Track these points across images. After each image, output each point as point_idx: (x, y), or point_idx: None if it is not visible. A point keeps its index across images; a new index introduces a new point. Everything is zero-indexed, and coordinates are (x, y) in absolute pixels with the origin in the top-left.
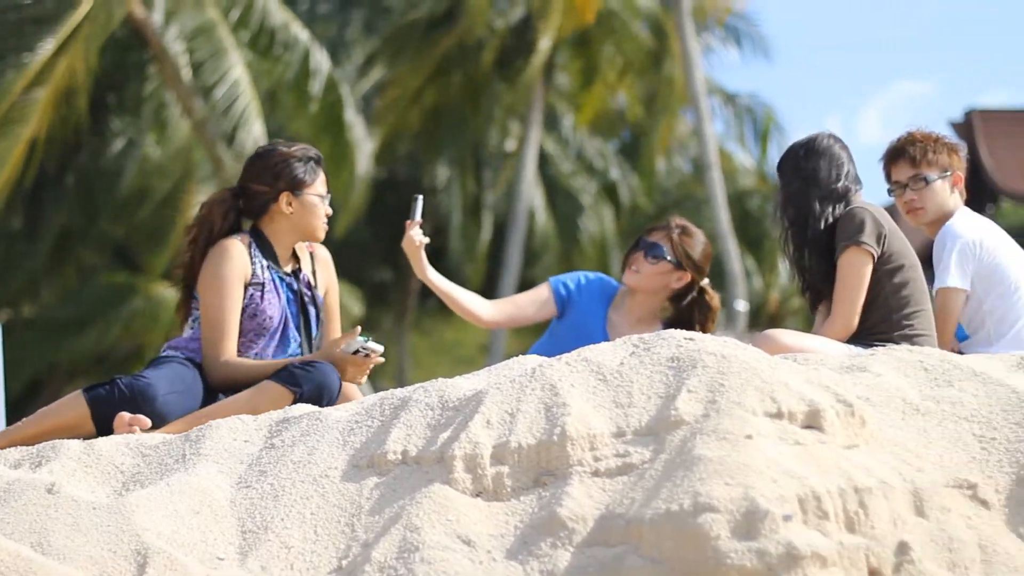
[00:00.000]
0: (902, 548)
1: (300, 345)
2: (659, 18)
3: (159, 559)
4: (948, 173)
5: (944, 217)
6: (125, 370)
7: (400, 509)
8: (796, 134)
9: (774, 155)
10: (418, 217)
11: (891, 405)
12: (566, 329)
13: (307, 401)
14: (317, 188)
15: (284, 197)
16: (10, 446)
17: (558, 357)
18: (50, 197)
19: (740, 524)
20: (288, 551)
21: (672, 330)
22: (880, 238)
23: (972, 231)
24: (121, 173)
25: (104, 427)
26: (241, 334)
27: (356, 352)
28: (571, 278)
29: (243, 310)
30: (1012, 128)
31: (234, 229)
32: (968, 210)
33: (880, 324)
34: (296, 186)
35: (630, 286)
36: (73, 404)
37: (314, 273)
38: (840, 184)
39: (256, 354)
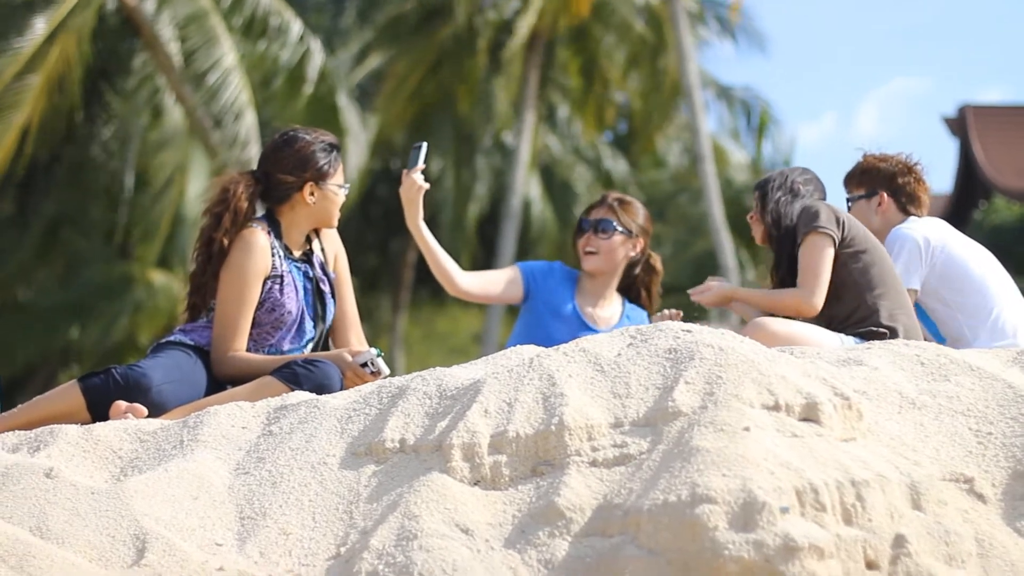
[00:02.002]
0: (899, 541)
1: (316, 329)
2: (655, 10)
3: (157, 544)
4: (871, 194)
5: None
6: (118, 357)
7: (398, 497)
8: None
9: (769, 150)
10: (420, 164)
11: (888, 399)
12: (540, 309)
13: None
14: (338, 178)
15: (308, 187)
16: (7, 431)
17: (556, 347)
18: (42, 184)
19: (738, 515)
20: (286, 537)
21: (669, 322)
22: (838, 223)
23: (916, 231)
24: (113, 161)
25: (99, 416)
26: (257, 325)
27: (364, 365)
28: (537, 264)
29: (261, 304)
30: (1005, 124)
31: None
32: (915, 218)
33: (858, 310)
34: (321, 177)
35: (592, 270)
36: (68, 393)
37: (323, 250)
38: (798, 187)
39: (271, 345)
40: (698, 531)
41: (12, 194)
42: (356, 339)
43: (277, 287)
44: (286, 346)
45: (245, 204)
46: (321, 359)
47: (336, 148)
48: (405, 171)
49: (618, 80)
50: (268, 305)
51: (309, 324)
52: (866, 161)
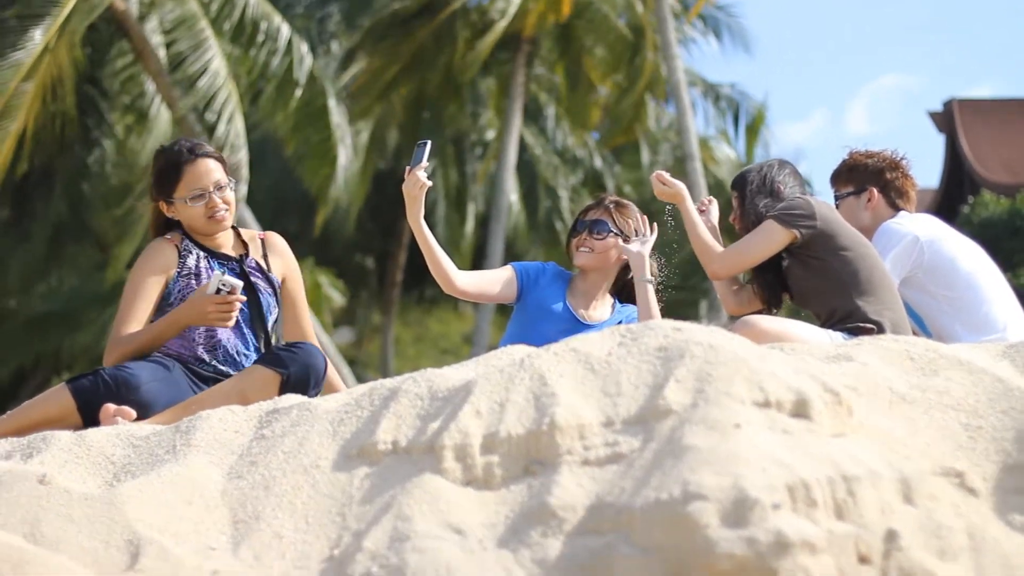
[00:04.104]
0: (891, 536)
1: (251, 325)
2: (636, 10)
3: (151, 549)
4: (860, 190)
5: (859, 231)
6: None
7: (391, 499)
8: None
9: (760, 152)
10: (424, 162)
11: (878, 394)
12: (532, 308)
13: (294, 382)
14: (185, 190)
15: (162, 207)
16: None
17: (546, 347)
18: (38, 191)
19: (730, 512)
20: (280, 540)
21: (660, 320)
22: (810, 217)
23: (905, 227)
24: (103, 167)
25: (90, 418)
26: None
27: (218, 292)
28: (531, 264)
29: (180, 298)
30: (992, 118)
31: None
32: (906, 214)
33: (844, 305)
34: (163, 194)
35: (583, 266)
36: (58, 396)
37: (265, 257)
38: (776, 187)
39: (219, 340)
40: (691, 528)
41: (8, 201)
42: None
43: (193, 281)
44: (226, 339)
45: (152, 226)
46: (301, 343)
47: (183, 158)
48: (408, 168)
49: (599, 78)
50: (185, 297)
51: (244, 313)
52: (853, 158)
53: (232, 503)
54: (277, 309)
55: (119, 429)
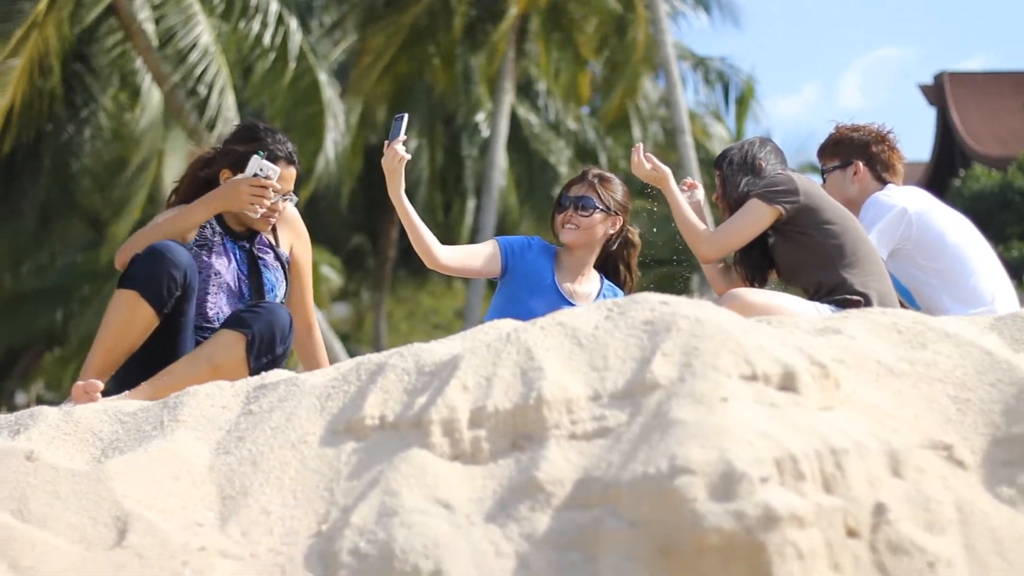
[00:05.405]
0: (879, 509)
1: (254, 298)
2: None
3: (139, 525)
4: (846, 164)
5: (846, 204)
6: None
7: (378, 474)
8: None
9: (751, 127)
10: (402, 135)
11: (865, 367)
12: (518, 283)
13: (261, 340)
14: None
15: (224, 174)
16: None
17: (532, 321)
18: (27, 169)
19: (717, 486)
20: (268, 516)
21: (646, 293)
22: (793, 192)
23: (894, 199)
24: (94, 143)
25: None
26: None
27: (256, 175)
28: (515, 239)
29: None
30: (983, 91)
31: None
32: (893, 186)
33: (831, 278)
34: (240, 166)
35: (570, 243)
36: (122, 301)
37: (274, 230)
38: (758, 164)
39: (215, 311)
40: (678, 502)
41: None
42: (304, 323)
43: (205, 252)
44: (227, 310)
45: (185, 185)
46: (264, 302)
47: (280, 155)
48: (387, 142)
49: (589, 53)
50: (196, 266)
51: (247, 290)
52: (839, 132)
53: (220, 479)
54: (286, 284)
55: (107, 405)
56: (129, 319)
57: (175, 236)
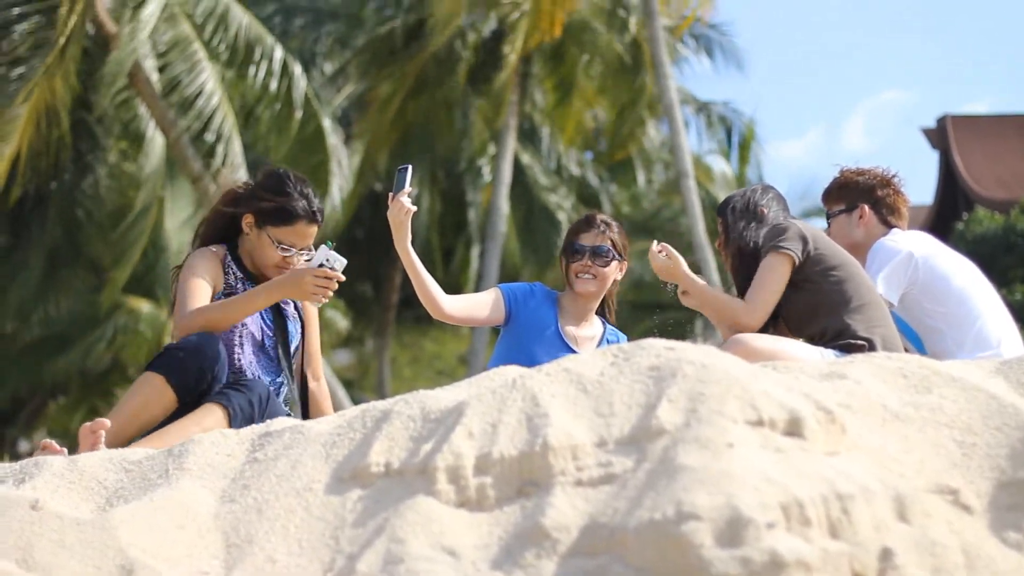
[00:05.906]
0: (886, 554)
1: (277, 349)
2: (631, 29)
3: (144, 573)
4: (852, 208)
5: (851, 248)
6: (104, 385)
7: (384, 521)
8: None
9: (753, 174)
10: (407, 187)
11: (871, 412)
12: (522, 329)
13: (243, 413)
14: (283, 236)
15: (247, 218)
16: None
17: (538, 367)
18: (35, 217)
19: (724, 532)
20: (273, 564)
21: (651, 339)
22: (803, 241)
23: (900, 244)
24: (97, 190)
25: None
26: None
27: (321, 265)
28: (518, 286)
29: None
30: (985, 134)
31: (227, 236)
32: (899, 230)
33: (835, 323)
34: (261, 218)
35: (587, 294)
36: (148, 383)
37: None
38: (761, 211)
39: (241, 361)
40: (685, 548)
41: (5, 227)
42: (313, 373)
43: None
44: (251, 367)
45: (207, 228)
46: (247, 379)
47: (304, 212)
48: (391, 195)
49: (593, 97)
50: None
51: (268, 341)
52: (844, 176)
53: (225, 527)
54: (300, 336)
55: (111, 454)
56: (151, 400)
57: (235, 320)
